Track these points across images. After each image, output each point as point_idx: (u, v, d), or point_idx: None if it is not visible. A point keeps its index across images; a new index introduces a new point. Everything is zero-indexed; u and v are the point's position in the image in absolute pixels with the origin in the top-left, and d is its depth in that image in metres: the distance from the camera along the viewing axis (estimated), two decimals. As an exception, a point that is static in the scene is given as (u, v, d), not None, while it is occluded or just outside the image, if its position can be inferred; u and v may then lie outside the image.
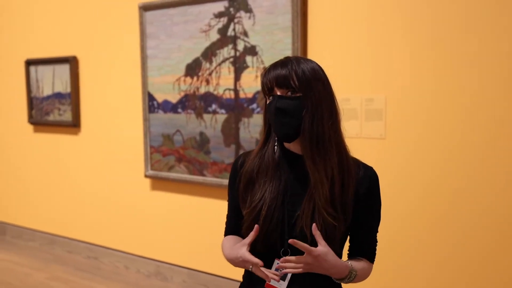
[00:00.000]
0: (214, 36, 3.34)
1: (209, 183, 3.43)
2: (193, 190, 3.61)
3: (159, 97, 3.67)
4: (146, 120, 3.76)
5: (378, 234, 1.59)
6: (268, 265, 1.48)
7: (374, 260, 1.58)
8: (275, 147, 1.52)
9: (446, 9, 2.54)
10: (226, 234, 1.67)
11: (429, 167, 2.64)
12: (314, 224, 1.38)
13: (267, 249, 1.49)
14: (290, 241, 1.35)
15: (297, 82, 1.43)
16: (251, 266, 1.43)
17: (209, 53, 3.37)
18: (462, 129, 2.53)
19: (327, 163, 1.44)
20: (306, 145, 1.45)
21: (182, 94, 3.55)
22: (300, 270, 1.37)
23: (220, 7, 3.29)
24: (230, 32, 3.26)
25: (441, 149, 2.60)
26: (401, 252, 2.75)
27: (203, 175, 3.48)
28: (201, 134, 3.47)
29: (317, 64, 1.50)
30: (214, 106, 3.38)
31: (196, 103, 3.47)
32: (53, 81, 4.39)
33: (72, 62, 4.21)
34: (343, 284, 1.56)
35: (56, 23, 4.37)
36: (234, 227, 1.61)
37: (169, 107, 3.63)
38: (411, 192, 2.70)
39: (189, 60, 3.48)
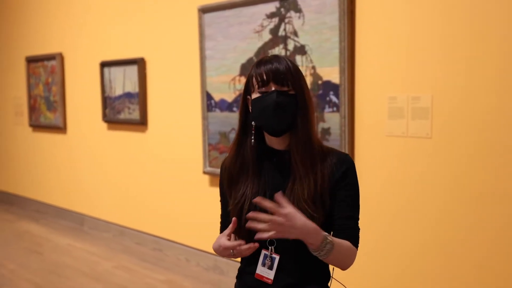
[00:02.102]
0: (266, 36, 3.40)
1: (262, 181, 3.50)
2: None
3: (216, 96, 3.79)
4: (204, 118, 3.90)
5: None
6: (256, 256, 1.53)
7: (357, 245, 1.53)
8: (252, 141, 1.56)
9: (492, 6, 2.44)
10: (220, 233, 1.71)
11: (477, 167, 2.54)
12: (279, 192, 1.37)
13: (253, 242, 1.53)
14: (255, 199, 1.36)
15: (292, 80, 1.50)
16: (232, 251, 1.47)
17: (262, 53, 3.44)
18: (511, 128, 2.42)
19: (312, 158, 1.50)
20: (297, 141, 1.51)
21: (237, 93, 3.64)
22: (272, 233, 1.33)
23: (271, 7, 3.35)
24: (281, 32, 3.31)
25: (488, 148, 2.50)
26: (451, 248, 2.67)
27: (256, 172, 3.55)
28: (254, 132, 3.54)
29: None
30: (266, 105, 3.44)
31: (250, 102, 3.55)
32: (124, 81, 4.65)
33: (140, 63, 4.45)
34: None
35: (126, 28, 4.63)
36: (227, 225, 1.64)
37: (225, 106, 3.74)
38: (457, 192, 2.61)
39: (243, 60, 3.57)
